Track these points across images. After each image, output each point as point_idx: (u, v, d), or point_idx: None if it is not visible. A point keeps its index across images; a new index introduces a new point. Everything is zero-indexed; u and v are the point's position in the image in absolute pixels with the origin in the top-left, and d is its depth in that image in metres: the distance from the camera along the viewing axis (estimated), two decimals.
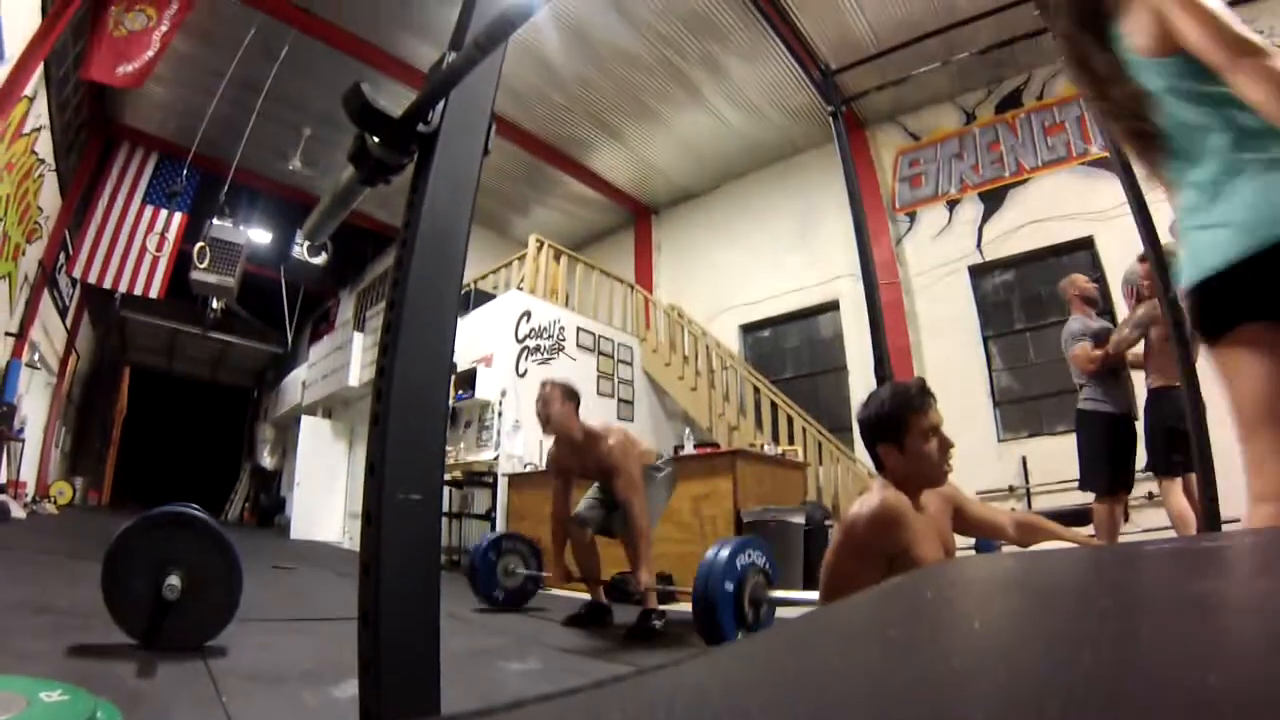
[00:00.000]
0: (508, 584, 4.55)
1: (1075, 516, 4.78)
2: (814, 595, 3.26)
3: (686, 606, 4.82)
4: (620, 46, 7.79)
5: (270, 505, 15.48)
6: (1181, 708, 0.33)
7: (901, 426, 2.03)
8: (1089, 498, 6.27)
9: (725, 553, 2.58)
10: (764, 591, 2.65)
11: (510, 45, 1.34)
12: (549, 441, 4.35)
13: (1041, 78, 7.83)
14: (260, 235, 9.66)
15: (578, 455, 3.94)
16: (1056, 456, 6.87)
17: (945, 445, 2.04)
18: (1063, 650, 0.47)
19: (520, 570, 4.63)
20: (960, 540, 2.32)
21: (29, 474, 10.14)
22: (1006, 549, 2.65)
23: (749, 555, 2.65)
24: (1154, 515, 6.20)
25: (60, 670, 1.84)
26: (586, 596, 4.18)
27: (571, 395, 3.95)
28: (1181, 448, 3.61)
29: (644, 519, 3.72)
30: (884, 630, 0.62)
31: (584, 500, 4.13)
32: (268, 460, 16.96)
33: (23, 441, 9.20)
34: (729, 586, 2.55)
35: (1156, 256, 3.35)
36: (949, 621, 0.73)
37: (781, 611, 2.96)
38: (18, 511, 7.58)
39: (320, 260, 10.52)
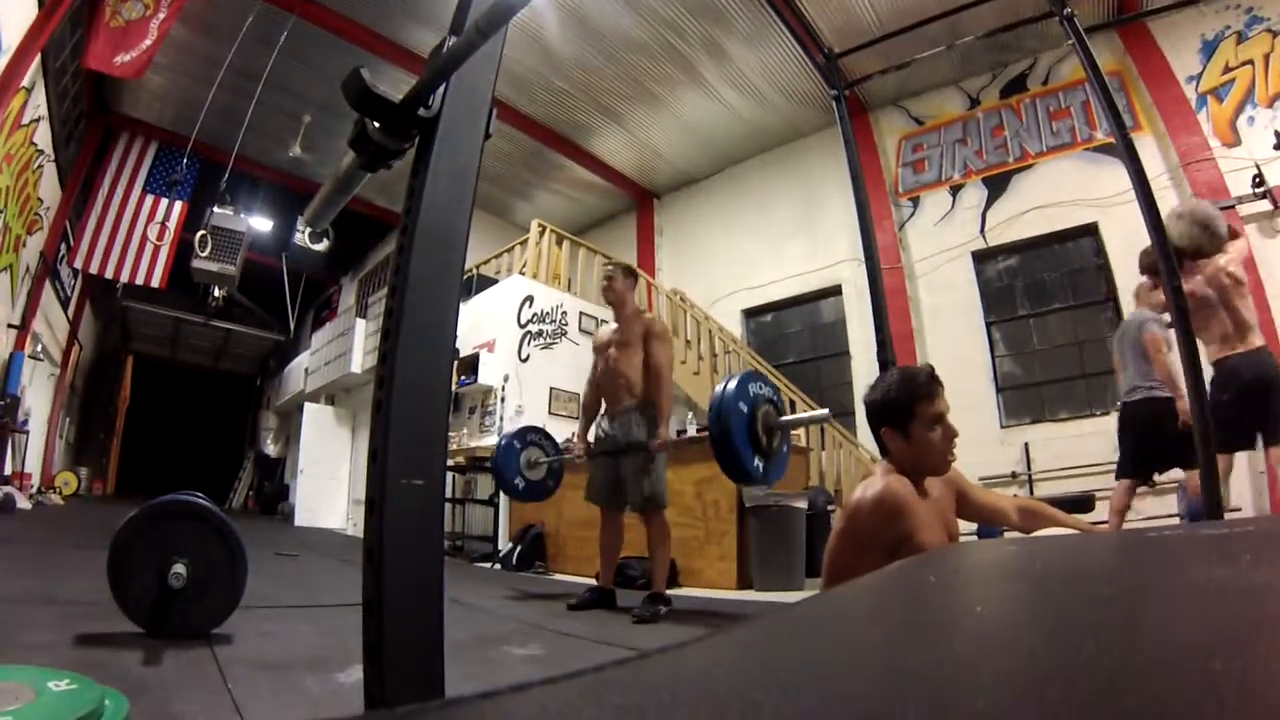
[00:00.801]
0: (531, 476, 4.65)
1: (1077, 503, 4.79)
2: (823, 412, 3.30)
3: (691, 591, 4.87)
4: (621, 30, 7.74)
5: (274, 493, 15.53)
6: (1184, 692, 0.33)
7: (908, 413, 2.03)
8: (1090, 485, 6.31)
9: (734, 382, 2.59)
10: (775, 419, 2.64)
11: (511, 29, 1.33)
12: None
13: (1047, 62, 7.77)
14: (261, 223, 9.66)
15: (624, 327, 4.25)
16: (1059, 443, 6.88)
17: (950, 434, 2.03)
18: (1064, 635, 0.47)
19: (542, 460, 4.73)
20: (963, 526, 2.32)
21: (34, 465, 10.18)
22: (1009, 535, 2.66)
23: (759, 385, 2.65)
24: (1154, 503, 6.22)
25: (68, 660, 1.86)
26: (592, 581, 4.21)
27: (631, 273, 4.42)
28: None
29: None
30: (888, 615, 0.62)
31: (596, 473, 4.18)
32: (271, 448, 17.01)
33: (27, 433, 9.23)
34: (744, 408, 2.54)
35: (1160, 244, 3.34)
36: (952, 606, 0.73)
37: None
38: (23, 503, 7.62)
39: (322, 247, 10.44)
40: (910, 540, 1.87)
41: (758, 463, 2.56)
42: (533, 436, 4.79)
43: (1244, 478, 5.41)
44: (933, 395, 2.04)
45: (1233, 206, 6.13)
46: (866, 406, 2.16)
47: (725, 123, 9.47)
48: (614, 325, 4.36)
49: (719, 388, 2.62)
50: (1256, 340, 4.15)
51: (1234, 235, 4.46)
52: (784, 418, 2.70)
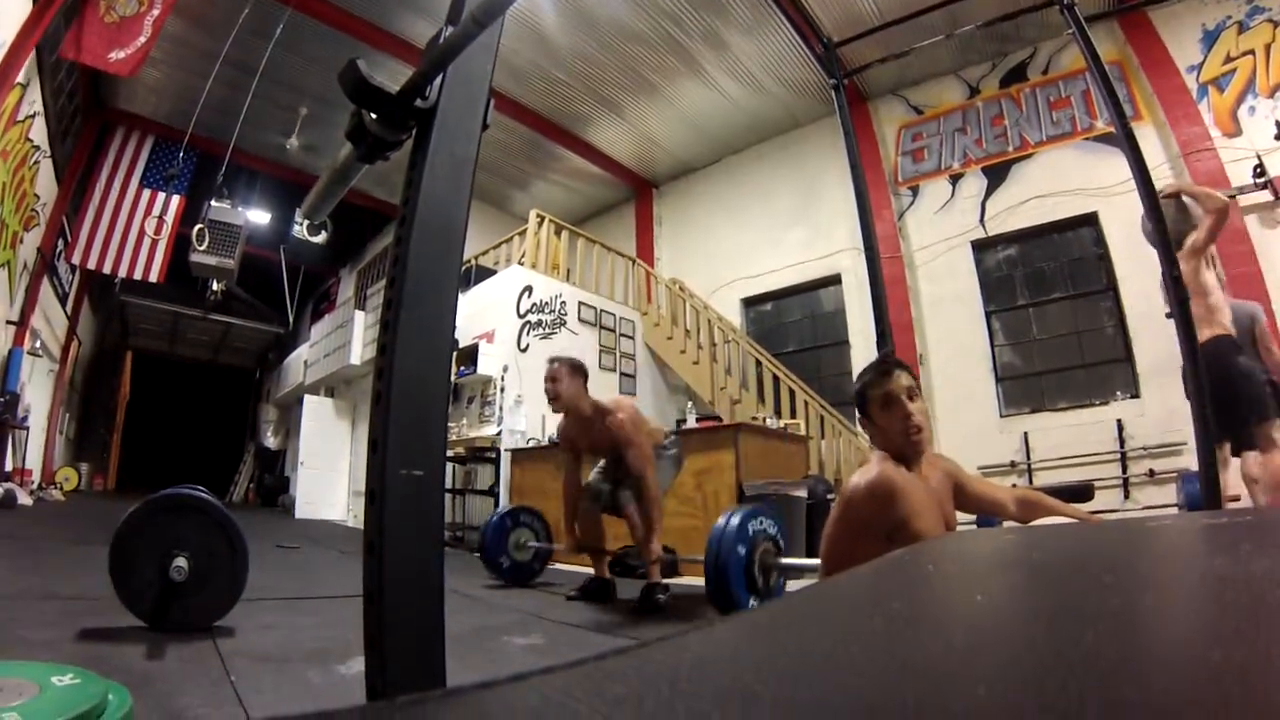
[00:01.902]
0: (517, 556, 4.62)
1: (1077, 492, 4.79)
2: (816, 563, 3.30)
3: (690, 580, 4.88)
4: (619, 19, 7.70)
5: (274, 486, 15.57)
6: (1183, 682, 0.33)
7: (862, 398, 2.15)
8: (1089, 474, 6.33)
9: (736, 520, 2.60)
10: (774, 559, 2.66)
11: (508, 20, 1.32)
12: (552, 417, 4.37)
13: (1047, 52, 7.74)
14: (259, 216, 9.61)
15: (587, 431, 3.94)
16: (1058, 432, 6.90)
17: (904, 413, 2.05)
18: (1064, 624, 0.47)
19: (531, 544, 4.70)
20: (961, 516, 2.33)
21: (34, 461, 10.18)
22: (1007, 525, 2.66)
23: (759, 523, 2.66)
24: (1154, 492, 6.25)
25: (71, 654, 1.87)
26: (591, 571, 4.21)
27: (579, 371, 3.97)
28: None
29: (656, 489, 3.74)
30: (887, 603, 0.62)
31: (592, 475, 4.15)
32: (271, 441, 17.03)
33: (27, 429, 9.22)
34: (741, 551, 2.56)
35: (1160, 233, 3.33)
36: (952, 595, 0.73)
37: (792, 587, 2.98)
38: (24, 499, 7.62)
39: (320, 239, 10.46)
40: (905, 525, 1.87)
41: (752, 602, 2.58)
42: (524, 518, 4.78)
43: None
44: (881, 377, 2.11)
45: (1234, 197, 6.12)
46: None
47: (724, 112, 9.44)
48: (571, 420, 4.04)
49: (719, 522, 2.63)
50: (1207, 330, 4.07)
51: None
52: (783, 560, 2.71)
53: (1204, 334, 4.10)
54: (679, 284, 9.49)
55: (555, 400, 3.90)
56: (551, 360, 4.04)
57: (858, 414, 2.22)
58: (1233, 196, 6.09)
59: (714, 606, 2.65)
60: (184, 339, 19.13)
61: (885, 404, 2.08)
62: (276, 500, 14.70)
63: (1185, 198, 4.24)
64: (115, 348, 17.95)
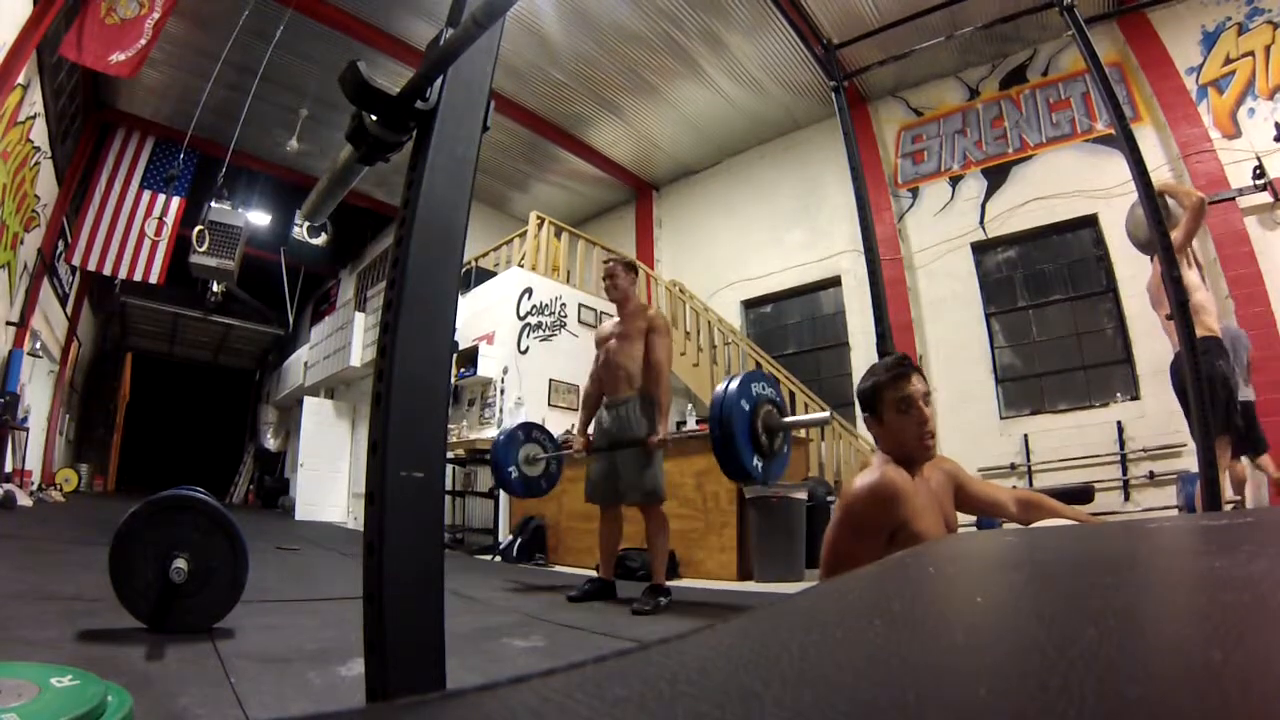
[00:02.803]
0: (527, 470, 4.66)
1: (1077, 494, 4.80)
2: (824, 415, 3.29)
3: (691, 583, 4.88)
4: (619, 21, 7.71)
5: (274, 487, 15.57)
6: (1184, 681, 0.33)
7: (876, 398, 2.09)
8: (1089, 476, 6.33)
9: (737, 381, 2.57)
10: (777, 419, 2.63)
11: (508, 21, 1.32)
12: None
13: (1047, 53, 7.74)
14: (259, 217, 9.63)
15: (625, 321, 4.28)
16: (1058, 434, 6.90)
17: (921, 418, 2.05)
18: (1065, 624, 0.47)
19: (540, 456, 4.73)
20: (961, 518, 2.33)
21: (34, 462, 10.17)
22: (1007, 526, 2.66)
23: (761, 386, 2.64)
24: (1154, 494, 6.24)
25: (70, 656, 1.86)
26: (592, 572, 4.22)
27: (632, 268, 4.45)
28: None
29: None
30: (888, 604, 0.62)
31: (593, 469, 4.19)
32: (271, 442, 17.03)
33: (27, 430, 9.22)
34: (745, 406, 2.53)
35: (1160, 236, 3.33)
36: (952, 596, 0.73)
37: (792, 587, 2.96)
38: (24, 500, 7.62)
39: (320, 241, 10.52)
40: (906, 528, 1.87)
41: (757, 462, 2.55)
42: (536, 434, 4.80)
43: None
44: (898, 379, 2.08)
45: (1233, 198, 6.13)
46: (857, 398, 2.21)
47: (724, 114, 9.45)
48: (616, 319, 4.36)
49: (721, 386, 2.61)
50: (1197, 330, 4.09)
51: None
52: (786, 419, 2.70)
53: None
54: (679, 286, 9.50)
55: (612, 289, 4.34)
56: (606, 261, 4.88)
57: (863, 413, 2.17)
58: (1232, 198, 6.10)
59: (721, 468, 2.61)
60: (184, 340, 19.12)
61: (902, 407, 2.05)
62: (276, 502, 14.71)
63: (1167, 197, 4.26)
64: (115, 349, 17.94)
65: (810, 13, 7.11)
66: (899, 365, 2.12)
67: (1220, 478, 4.02)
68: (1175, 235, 4.07)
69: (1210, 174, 6.30)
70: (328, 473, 11.53)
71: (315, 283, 15.79)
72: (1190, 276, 4.20)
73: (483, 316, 7.99)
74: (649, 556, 4.13)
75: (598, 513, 4.20)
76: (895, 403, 2.06)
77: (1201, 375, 3.45)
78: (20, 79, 6.21)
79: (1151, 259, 4.55)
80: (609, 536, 4.17)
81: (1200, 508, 3.27)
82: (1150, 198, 3.30)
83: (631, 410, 4.06)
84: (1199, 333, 4.05)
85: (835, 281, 8.97)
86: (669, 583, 3.97)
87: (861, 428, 7.34)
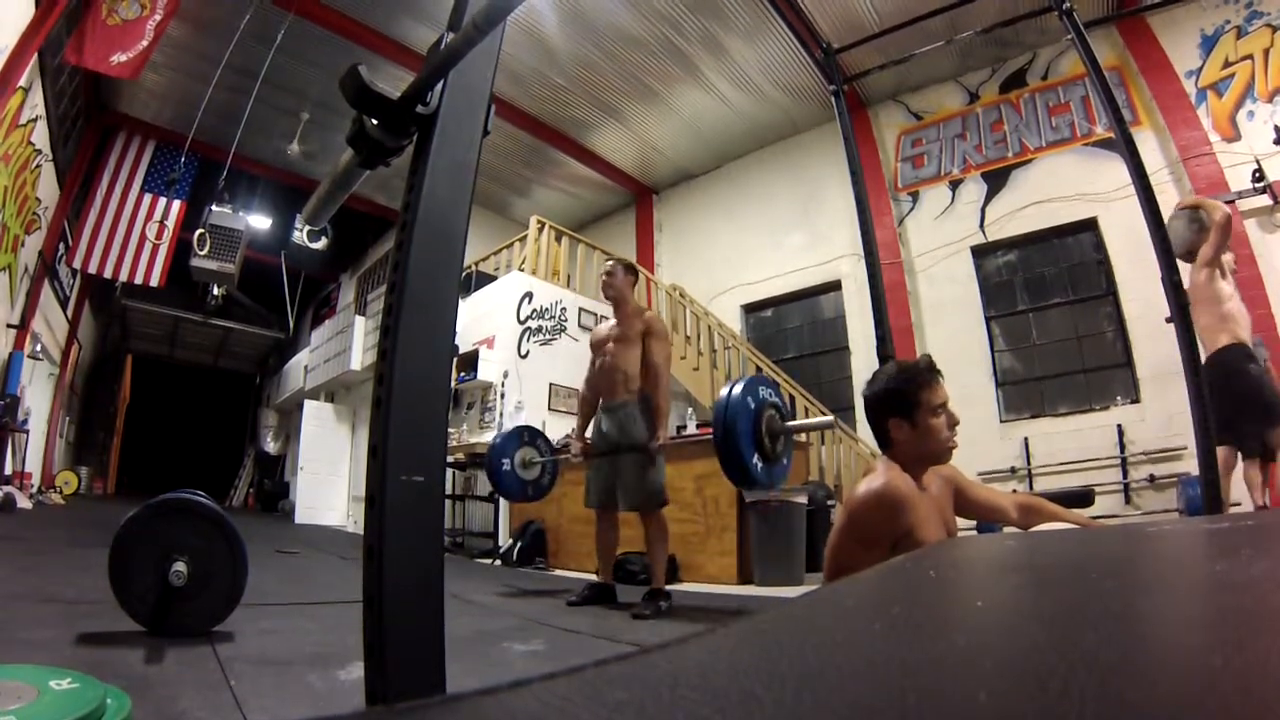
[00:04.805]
0: (522, 474, 4.65)
1: (1077, 498, 4.80)
2: (828, 419, 3.28)
3: (691, 587, 4.87)
4: (619, 26, 7.72)
5: (274, 490, 15.55)
6: (1184, 686, 0.33)
7: (913, 401, 2.04)
8: (1090, 480, 6.34)
9: (741, 384, 2.57)
10: (780, 424, 2.63)
11: (508, 26, 1.32)
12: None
13: (1046, 57, 7.76)
14: (260, 221, 9.64)
15: (623, 323, 4.25)
16: (1058, 437, 6.89)
17: (953, 421, 2.05)
18: (1065, 629, 0.47)
19: (536, 460, 4.74)
20: (961, 522, 2.32)
21: (34, 465, 10.17)
22: (1007, 531, 2.66)
23: (765, 390, 2.64)
24: (1153, 498, 6.24)
25: (70, 658, 1.86)
26: (592, 576, 4.21)
27: (631, 270, 4.43)
28: None
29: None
30: (888, 609, 0.62)
31: (593, 474, 4.18)
32: (271, 446, 17.02)
33: (27, 433, 9.21)
34: (751, 404, 2.53)
35: (1160, 239, 3.34)
36: (953, 600, 0.73)
37: (796, 592, 2.95)
38: (24, 502, 7.61)
39: (320, 245, 10.52)
40: (911, 535, 1.87)
41: (759, 465, 2.55)
42: (528, 436, 4.80)
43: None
44: (934, 383, 2.06)
45: (1233, 201, 6.13)
46: (867, 401, 2.16)
47: (724, 118, 9.46)
48: (613, 322, 4.34)
49: (725, 390, 2.61)
50: (1224, 338, 4.14)
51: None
52: (788, 423, 2.70)
53: (1220, 341, 4.14)
54: (679, 290, 9.50)
55: (609, 288, 4.32)
56: (607, 259, 4.93)
57: (890, 416, 2.07)
58: (1232, 201, 6.11)
59: (723, 470, 2.61)
60: (184, 343, 19.12)
61: (939, 408, 2.04)
62: (276, 505, 14.68)
63: (1200, 210, 4.32)
64: (115, 352, 17.94)
65: (810, 17, 7.11)
66: (931, 368, 2.09)
67: (1257, 485, 4.04)
68: (1204, 250, 4.15)
69: (1210, 177, 6.31)
70: (328, 476, 11.52)
71: (316, 286, 15.81)
72: (1223, 286, 4.24)
73: (483, 320, 8.00)
74: (649, 561, 4.13)
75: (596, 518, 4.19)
76: (933, 405, 2.03)
77: (1233, 383, 3.51)
78: (22, 82, 6.22)
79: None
80: (606, 540, 4.16)
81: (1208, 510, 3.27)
82: (1150, 202, 3.30)
83: (630, 414, 4.04)
84: (1225, 340, 4.10)
85: (835, 285, 8.97)
86: (669, 586, 3.97)
87: (862, 431, 7.34)
